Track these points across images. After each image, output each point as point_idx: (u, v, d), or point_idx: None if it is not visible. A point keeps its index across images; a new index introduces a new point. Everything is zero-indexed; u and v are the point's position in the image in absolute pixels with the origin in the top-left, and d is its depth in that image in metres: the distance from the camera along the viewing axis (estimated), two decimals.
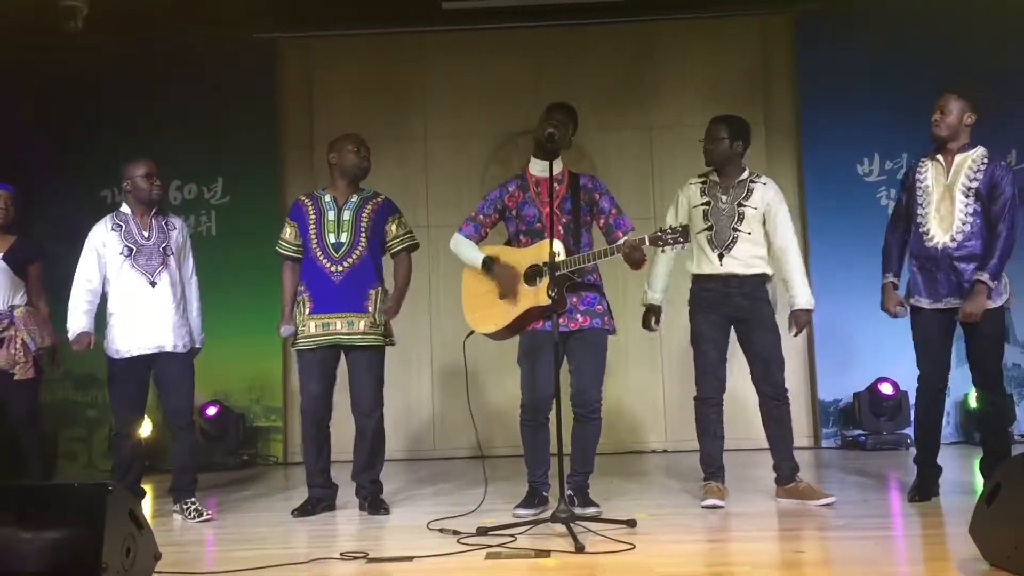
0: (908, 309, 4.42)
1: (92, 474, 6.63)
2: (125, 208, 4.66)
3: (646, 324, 4.65)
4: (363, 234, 4.48)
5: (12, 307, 4.86)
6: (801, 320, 4.47)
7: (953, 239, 4.23)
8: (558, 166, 4.23)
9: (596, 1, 6.80)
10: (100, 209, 7.04)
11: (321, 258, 4.47)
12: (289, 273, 4.61)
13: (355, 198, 4.56)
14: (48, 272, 5.13)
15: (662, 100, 7.14)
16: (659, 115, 7.12)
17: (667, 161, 6.83)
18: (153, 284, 4.55)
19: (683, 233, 3.82)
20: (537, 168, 4.24)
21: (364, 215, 4.52)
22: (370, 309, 4.45)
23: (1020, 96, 6.70)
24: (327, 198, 4.57)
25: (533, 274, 4.09)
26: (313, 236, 4.50)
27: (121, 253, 4.57)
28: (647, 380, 6.96)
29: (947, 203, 4.25)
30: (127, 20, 6.25)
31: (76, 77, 6.78)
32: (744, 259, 4.39)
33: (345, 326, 4.42)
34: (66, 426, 6.87)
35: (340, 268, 4.44)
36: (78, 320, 4.53)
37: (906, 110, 5.79)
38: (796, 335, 4.54)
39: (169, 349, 4.53)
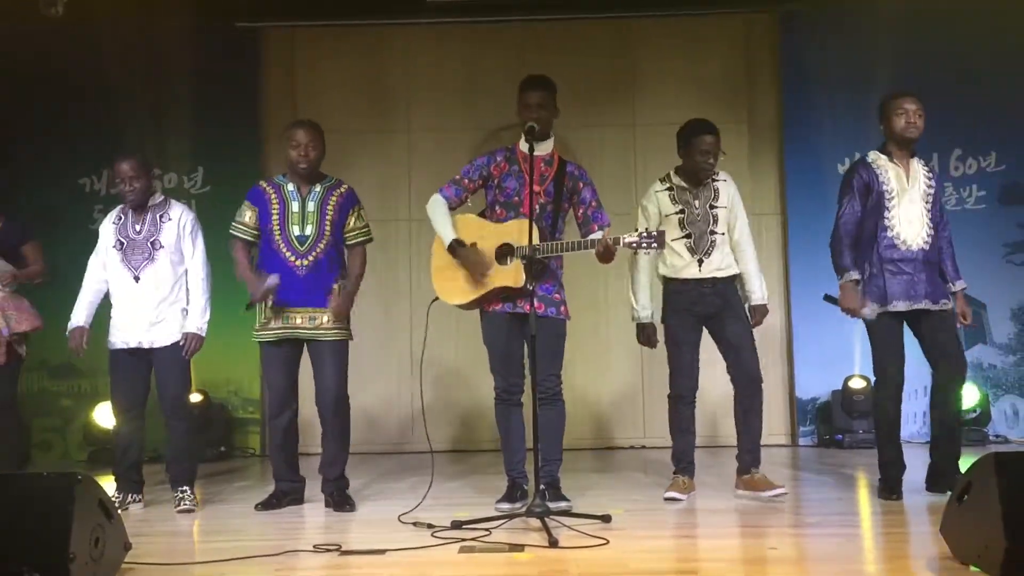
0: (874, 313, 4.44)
1: (67, 465, 6.58)
2: None
3: (647, 342, 4.57)
4: (327, 227, 4.39)
5: None
6: (762, 314, 4.57)
7: (926, 242, 4.33)
8: (549, 147, 4.23)
9: None
10: (80, 198, 7.05)
11: (284, 251, 4.36)
12: (244, 250, 4.47)
13: (318, 187, 4.44)
14: None
15: (646, 97, 7.14)
16: (642, 112, 7.12)
17: (650, 158, 6.82)
18: (136, 279, 4.52)
19: (658, 239, 3.88)
20: (527, 147, 4.20)
21: (329, 206, 4.41)
22: (332, 304, 4.38)
23: (999, 97, 6.75)
24: (290, 187, 4.43)
25: (504, 253, 4.11)
26: (276, 228, 4.38)
27: (114, 247, 4.57)
28: (626, 376, 6.98)
29: (913, 207, 4.34)
30: (109, 7, 6.20)
31: (57, 64, 6.71)
32: (719, 262, 4.46)
33: (307, 321, 4.35)
34: (41, 416, 6.82)
35: (305, 262, 4.34)
36: (75, 315, 4.60)
37: None
38: (755, 327, 4.59)
39: (151, 345, 4.50)
